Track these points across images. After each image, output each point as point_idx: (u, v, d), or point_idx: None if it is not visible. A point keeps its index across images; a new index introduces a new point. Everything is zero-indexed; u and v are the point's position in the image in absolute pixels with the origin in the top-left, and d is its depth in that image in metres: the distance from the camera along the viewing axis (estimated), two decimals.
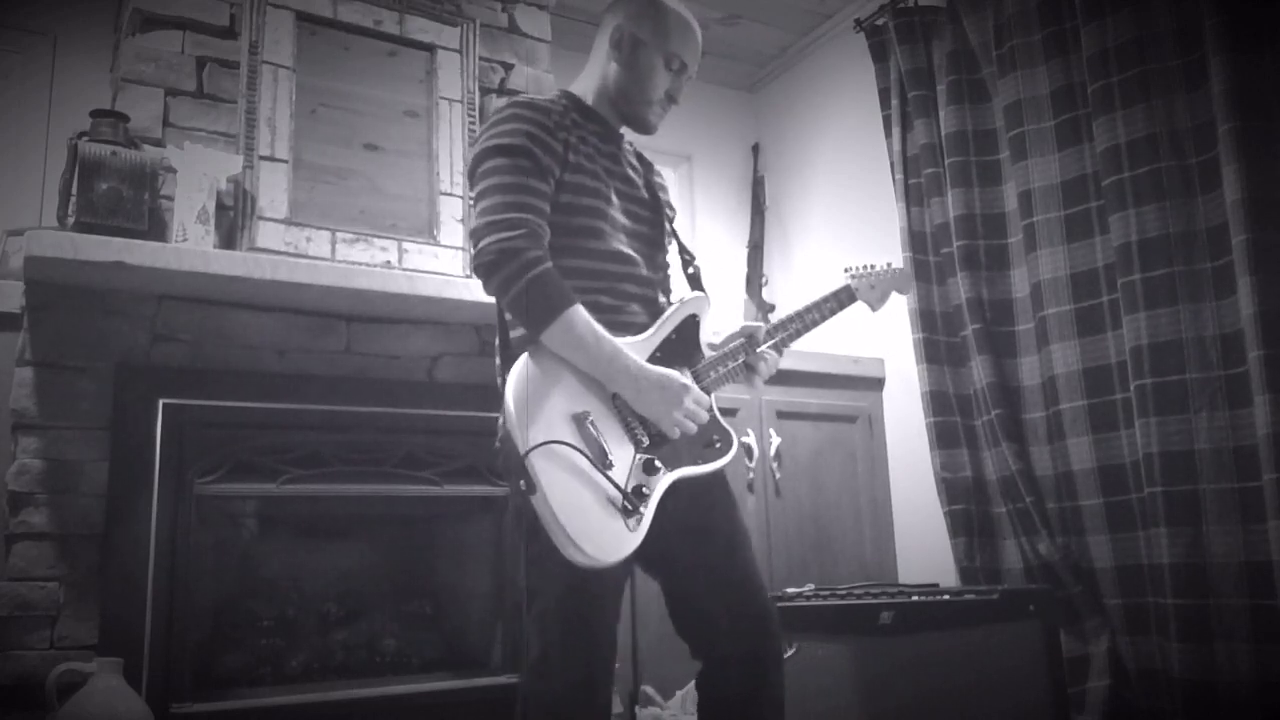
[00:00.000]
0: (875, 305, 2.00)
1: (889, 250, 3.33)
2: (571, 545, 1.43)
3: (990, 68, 3.07)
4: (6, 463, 2.19)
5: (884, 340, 3.44)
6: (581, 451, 1.50)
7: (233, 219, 2.50)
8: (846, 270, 1.99)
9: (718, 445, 1.69)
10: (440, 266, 2.68)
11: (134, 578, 2.21)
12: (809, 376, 3.31)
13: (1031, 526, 2.85)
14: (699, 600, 1.70)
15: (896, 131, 3.32)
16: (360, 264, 2.54)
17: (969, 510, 3.03)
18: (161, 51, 2.55)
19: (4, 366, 2.24)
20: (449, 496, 2.61)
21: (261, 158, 2.54)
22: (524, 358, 1.56)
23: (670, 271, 1.91)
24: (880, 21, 3.42)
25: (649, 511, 1.52)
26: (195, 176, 2.39)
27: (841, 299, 1.94)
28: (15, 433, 2.21)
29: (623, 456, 1.56)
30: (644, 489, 1.54)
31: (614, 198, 1.75)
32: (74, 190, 2.30)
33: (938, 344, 3.15)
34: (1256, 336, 2.30)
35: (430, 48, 2.86)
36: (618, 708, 2.42)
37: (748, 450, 3.13)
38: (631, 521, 1.49)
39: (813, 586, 2.57)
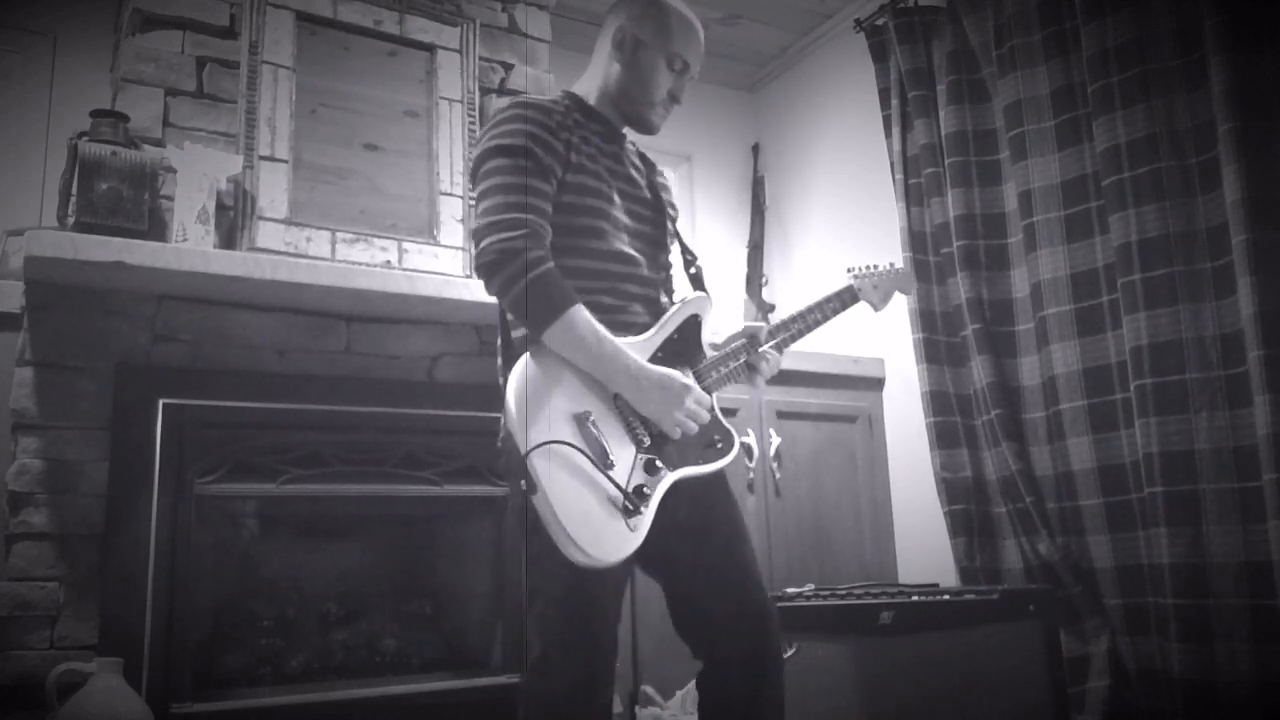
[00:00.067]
0: (878, 305, 2.00)
1: (889, 250, 3.33)
2: (572, 545, 1.43)
3: (990, 68, 3.07)
4: (6, 463, 2.19)
5: (884, 340, 3.44)
6: (582, 451, 1.50)
7: (233, 219, 2.50)
8: (849, 270, 1.99)
9: (719, 445, 1.69)
10: (440, 266, 2.68)
11: (134, 578, 2.21)
12: (809, 376, 3.31)
13: (1031, 526, 2.85)
14: (699, 600, 1.70)
15: (896, 131, 3.33)
16: (360, 264, 2.54)
17: (969, 510, 3.03)
18: (161, 51, 2.55)
19: (4, 366, 2.24)
20: (449, 496, 2.61)
21: (261, 158, 2.54)
22: (525, 357, 1.56)
23: (672, 272, 1.91)
24: (880, 21, 3.42)
25: (650, 511, 1.52)
26: (195, 176, 2.39)
27: (844, 299, 1.94)
28: (15, 433, 2.21)
29: (624, 456, 1.56)
30: (645, 489, 1.54)
31: (616, 198, 1.75)
32: (74, 190, 2.30)
33: (938, 344, 3.15)
34: (1256, 336, 2.30)
35: (430, 48, 2.86)
36: (618, 708, 2.41)
37: (748, 450, 3.13)
38: (632, 521, 1.49)
39: (813, 586, 2.57)
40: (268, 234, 2.49)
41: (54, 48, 2.99)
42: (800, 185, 4.06)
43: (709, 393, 1.71)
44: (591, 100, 1.81)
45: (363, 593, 2.78)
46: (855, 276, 1.98)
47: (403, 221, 2.71)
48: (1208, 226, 2.49)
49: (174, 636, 2.22)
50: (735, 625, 1.68)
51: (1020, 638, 2.28)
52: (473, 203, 2.73)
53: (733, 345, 1.80)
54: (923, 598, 2.29)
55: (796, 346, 1.89)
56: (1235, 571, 2.38)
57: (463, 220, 2.77)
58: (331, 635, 2.66)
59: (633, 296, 1.73)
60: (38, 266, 2.15)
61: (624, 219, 1.76)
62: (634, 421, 1.60)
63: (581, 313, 1.57)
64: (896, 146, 3.32)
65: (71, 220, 2.30)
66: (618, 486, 1.50)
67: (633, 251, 1.75)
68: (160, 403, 2.31)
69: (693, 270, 1.88)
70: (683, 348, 1.73)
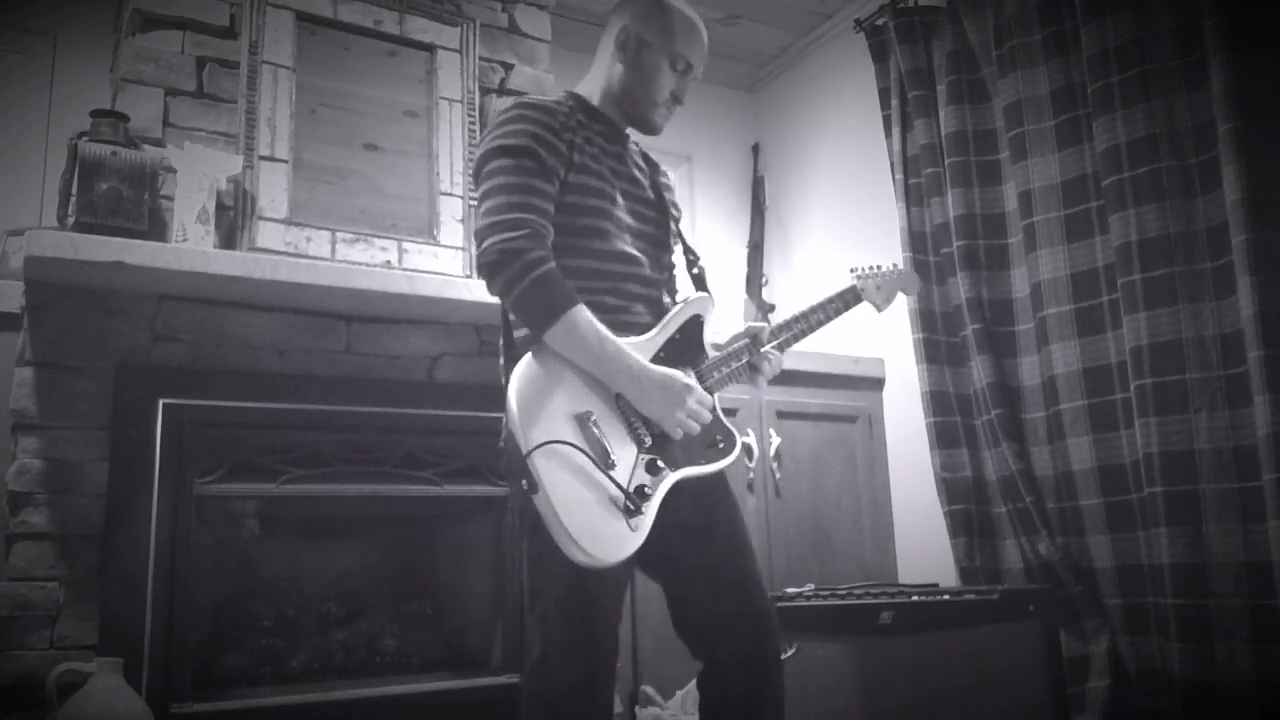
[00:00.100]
0: (881, 306, 2.00)
1: (889, 250, 3.33)
2: (573, 545, 1.43)
3: (990, 68, 3.07)
4: (6, 463, 2.19)
5: (884, 340, 3.44)
6: (584, 451, 1.50)
7: (233, 219, 2.50)
8: (852, 271, 1.99)
9: (721, 446, 1.69)
10: (440, 266, 2.68)
11: (134, 578, 2.21)
12: (809, 376, 3.31)
13: (1031, 526, 2.85)
14: (699, 601, 1.70)
15: (896, 131, 3.33)
16: (360, 264, 2.54)
17: (969, 510, 3.03)
18: (161, 51, 2.55)
19: (4, 366, 2.24)
20: (449, 496, 2.61)
21: (261, 158, 2.54)
22: (527, 357, 1.56)
23: (675, 272, 1.91)
24: (880, 21, 3.42)
25: (651, 512, 1.52)
26: (195, 176, 2.39)
27: (847, 299, 1.94)
28: (15, 433, 2.21)
29: (625, 456, 1.56)
30: (646, 489, 1.54)
31: (619, 198, 1.75)
32: (74, 190, 2.30)
33: (938, 344, 3.15)
34: (1256, 336, 2.30)
35: (430, 48, 2.86)
36: (618, 708, 2.41)
37: (748, 450, 3.13)
38: (633, 521, 1.49)
39: (813, 586, 2.57)
40: (268, 234, 2.49)
41: (54, 48, 2.99)
42: (800, 185, 4.06)
43: (711, 393, 1.71)
44: (595, 101, 1.81)
45: (363, 593, 2.78)
46: (858, 277, 1.98)
47: (403, 221, 2.71)
48: (1208, 226, 2.49)
49: (174, 636, 2.22)
50: (735, 626, 1.68)
51: (1020, 638, 2.28)
52: (474, 203, 2.73)
53: (735, 345, 1.79)
54: (923, 598, 2.29)
55: (797, 346, 1.89)
56: (1235, 571, 2.38)
57: (463, 220, 2.77)
58: (331, 635, 2.66)
59: (635, 297, 1.73)
60: (38, 266, 2.15)
61: (627, 219, 1.76)
62: (636, 422, 1.60)
63: (583, 313, 1.57)
64: (896, 146, 3.32)
65: (71, 220, 2.30)
66: (619, 486, 1.50)
67: (635, 252, 1.75)
68: (160, 403, 2.31)
69: (695, 271, 1.88)
70: (685, 348, 1.73)
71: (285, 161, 2.57)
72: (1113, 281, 2.67)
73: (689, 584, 1.71)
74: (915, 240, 3.23)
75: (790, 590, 2.54)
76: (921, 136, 3.21)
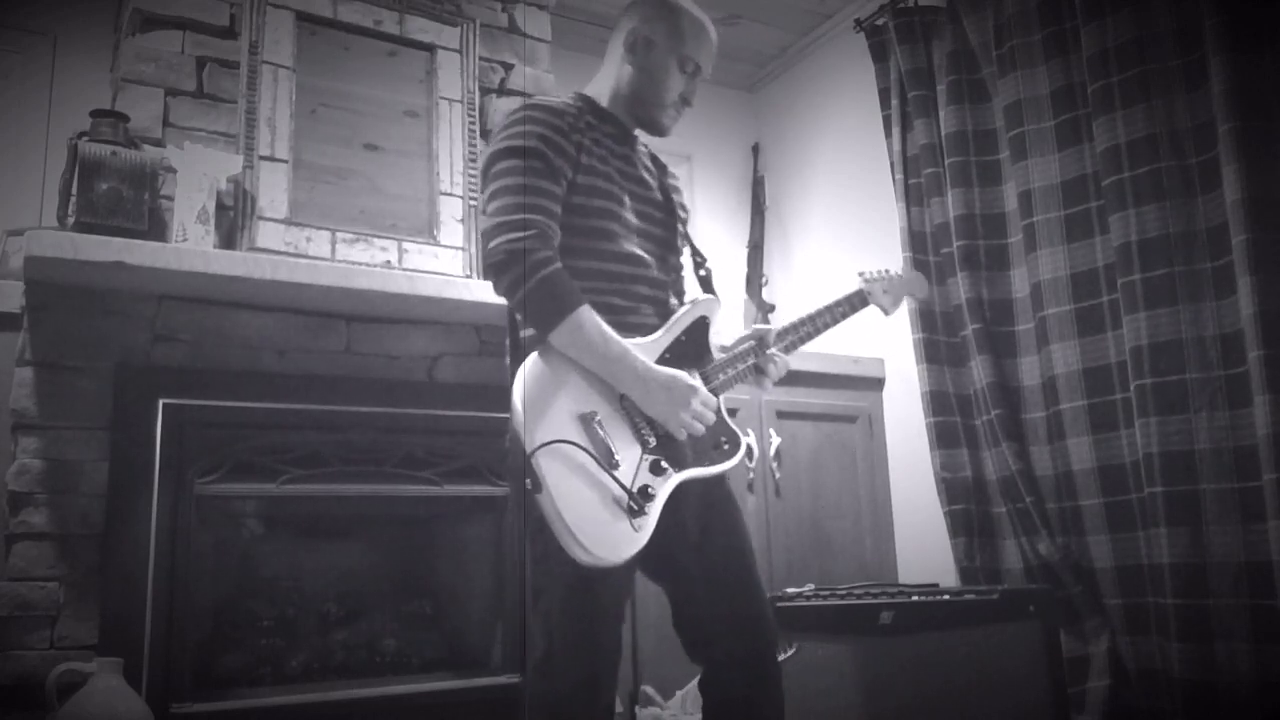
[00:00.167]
0: (888, 309, 2.01)
1: (889, 250, 3.33)
2: (576, 544, 1.43)
3: (990, 68, 3.07)
4: (6, 463, 2.19)
5: (884, 340, 3.44)
6: (587, 451, 1.50)
7: (233, 219, 2.50)
8: (860, 274, 1.99)
9: (725, 447, 1.69)
10: (440, 266, 2.68)
11: (134, 578, 2.21)
12: (809, 376, 3.31)
13: (1031, 526, 2.85)
14: (698, 602, 1.70)
15: (896, 131, 3.33)
16: (360, 264, 2.54)
17: (969, 510, 3.03)
18: (161, 51, 2.55)
19: (4, 366, 2.24)
20: (449, 496, 2.61)
21: (261, 158, 2.54)
22: (533, 357, 1.56)
23: (683, 273, 1.91)
24: (880, 21, 3.42)
25: (654, 512, 1.53)
26: (195, 176, 2.39)
27: (854, 303, 1.94)
28: (15, 433, 2.21)
29: (629, 457, 1.56)
30: (650, 489, 1.54)
31: (626, 199, 1.75)
32: (74, 190, 2.30)
33: (938, 344, 3.15)
34: (1256, 336, 2.30)
35: (430, 48, 2.86)
36: (618, 708, 2.41)
37: (748, 450, 3.13)
38: (637, 522, 1.50)
39: (813, 586, 2.57)
40: (268, 234, 2.49)
41: (54, 48, 2.99)
42: (800, 185, 4.06)
43: (716, 394, 1.71)
44: (603, 102, 1.81)
45: (363, 593, 2.78)
46: (866, 280, 1.98)
47: (403, 221, 2.71)
48: (1208, 226, 2.49)
49: (174, 636, 2.22)
50: (732, 627, 1.68)
51: (1020, 638, 2.28)
52: (474, 203, 2.74)
53: (741, 347, 1.80)
54: (923, 598, 2.29)
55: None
56: (1235, 571, 2.38)
57: (463, 220, 2.77)
58: (331, 635, 2.66)
59: (642, 298, 1.73)
60: (38, 266, 2.15)
61: (634, 220, 1.76)
62: (640, 422, 1.60)
63: (589, 313, 1.57)
64: (896, 146, 3.32)
65: (71, 220, 2.30)
66: (622, 486, 1.50)
67: (642, 253, 1.75)
68: (160, 403, 2.31)
69: (702, 273, 1.88)
70: (690, 349, 1.73)
71: (285, 161, 2.57)
72: (1113, 281, 2.67)
73: (689, 585, 1.71)
74: (915, 240, 3.23)
75: (790, 590, 2.54)
76: (921, 136, 3.21)
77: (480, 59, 2.94)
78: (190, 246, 2.32)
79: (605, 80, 1.83)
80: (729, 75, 4.23)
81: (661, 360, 1.67)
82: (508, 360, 1.69)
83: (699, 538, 1.69)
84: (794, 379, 3.24)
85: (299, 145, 2.61)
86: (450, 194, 2.77)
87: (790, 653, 2.24)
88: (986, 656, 2.21)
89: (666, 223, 1.84)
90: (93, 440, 2.26)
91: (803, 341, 1.86)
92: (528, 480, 1.45)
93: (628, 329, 1.65)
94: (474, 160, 2.83)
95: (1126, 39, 2.63)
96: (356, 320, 2.61)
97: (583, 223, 1.67)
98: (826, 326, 1.88)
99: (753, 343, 1.80)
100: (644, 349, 1.64)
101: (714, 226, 4.13)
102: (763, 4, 3.74)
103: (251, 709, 2.29)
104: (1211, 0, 2.43)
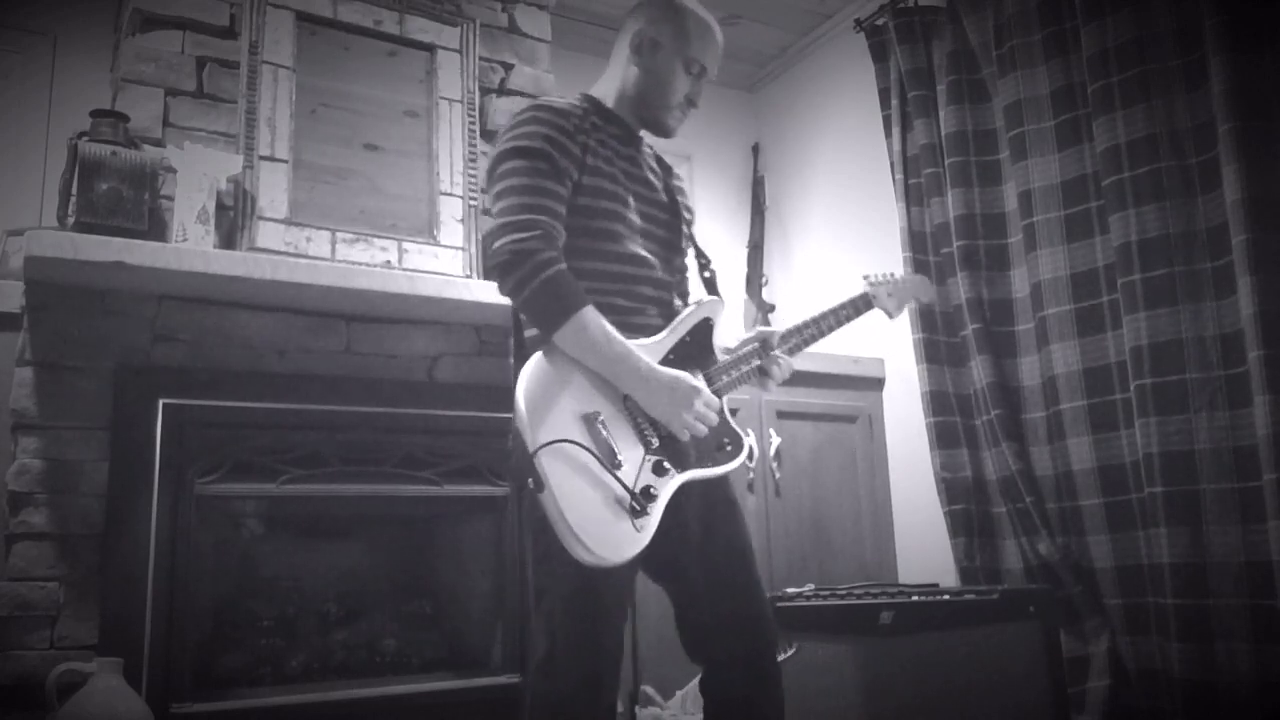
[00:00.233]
0: (893, 313, 2.01)
1: (889, 250, 3.33)
2: (578, 544, 1.43)
3: (990, 68, 3.07)
4: (6, 463, 2.19)
5: (884, 340, 3.44)
6: (590, 451, 1.50)
7: (233, 219, 2.49)
8: (865, 277, 1.99)
9: (728, 448, 1.69)
10: (440, 266, 2.68)
11: (134, 578, 2.21)
12: (809, 376, 3.31)
13: (1031, 526, 2.85)
14: (699, 602, 1.70)
15: (896, 131, 3.33)
16: (360, 264, 2.54)
17: (969, 510, 3.03)
18: (161, 51, 2.55)
19: (4, 366, 2.24)
20: (449, 496, 2.61)
21: (261, 158, 2.54)
22: (536, 356, 1.57)
23: (687, 275, 1.91)
24: (880, 21, 3.42)
25: (656, 513, 1.53)
26: (195, 176, 2.39)
27: (859, 306, 1.95)
28: (15, 433, 2.21)
29: (632, 457, 1.56)
30: (652, 490, 1.54)
31: (631, 200, 1.75)
32: (74, 190, 2.30)
33: (938, 344, 3.15)
34: (1256, 336, 2.30)
35: (430, 48, 2.86)
36: (618, 707, 2.42)
37: (748, 450, 3.13)
38: (639, 522, 1.50)
39: (813, 586, 2.57)
40: (268, 234, 2.49)
41: (54, 48, 2.99)
42: (800, 185, 4.06)
43: (719, 396, 1.71)
44: (609, 103, 1.81)
45: (363, 593, 2.78)
46: (871, 284, 1.98)
47: (403, 221, 2.71)
48: (1208, 226, 2.49)
49: (174, 636, 2.22)
50: (732, 628, 1.68)
51: (1020, 638, 2.28)
52: (474, 203, 2.74)
53: (744, 349, 1.80)
54: (923, 598, 2.29)
55: None
56: (1235, 571, 2.38)
57: (463, 220, 2.77)
58: (331, 635, 2.66)
59: (647, 299, 1.73)
60: (38, 266, 2.15)
61: (639, 222, 1.76)
62: (643, 423, 1.60)
63: (593, 314, 1.57)
64: (896, 146, 3.32)
65: (71, 220, 2.30)
66: (625, 487, 1.50)
67: (647, 254, 1.75)
68: (160, 403, 2.31)
69: (707, 274, 1.88)
70: (694, 351, 1.73)
71: (285, 161, 2.57)
72: (1113, 281, 2.67)
73: (691, 586, 1.71)
74: (915, 240, 3.23)
75: (790, 590, 2.54)
76: (921, 136, 3.21)
77: (480, 59, 2.94)
78: (190, 246, 2.32)
79: (611, 81, 1.83)
80: (729, 75, 4.23)
81: (665, 361, 1.67)
82: (511, 360, 1.69)
83: (701, 538, 1.69)
84: (794, 379, 3.17)
85: (299, 145, 2.61)
86: (450, 194, 2.77)
87: (790, 653, 2.23)
88: (986, 656, 2.21)
89: (671, 224, 1.84)
90: (93, 440, 2.26)
91: (807, 344, 1.86)
92: (530, 479, 1.45)
93: (632, 330, 1.65)
94: (474, 160, 2.83)
95: (1126, 39, 2.63)
96: (356, 320, 2.61)
97: (588, 224, 1.67)
98: (831, 329, 1.89)
99: (756, 344, 1.80)
100: (648, 350, 1.65)
101: (714, 226, 4.13)
102: (763, 4, 3.74)
103: (251, 709, 2.29)
104: (1211, 0, 2.43)
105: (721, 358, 1.77)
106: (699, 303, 1.78)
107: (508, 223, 1.58)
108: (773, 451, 3.18)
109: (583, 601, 1.54)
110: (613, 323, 1.59)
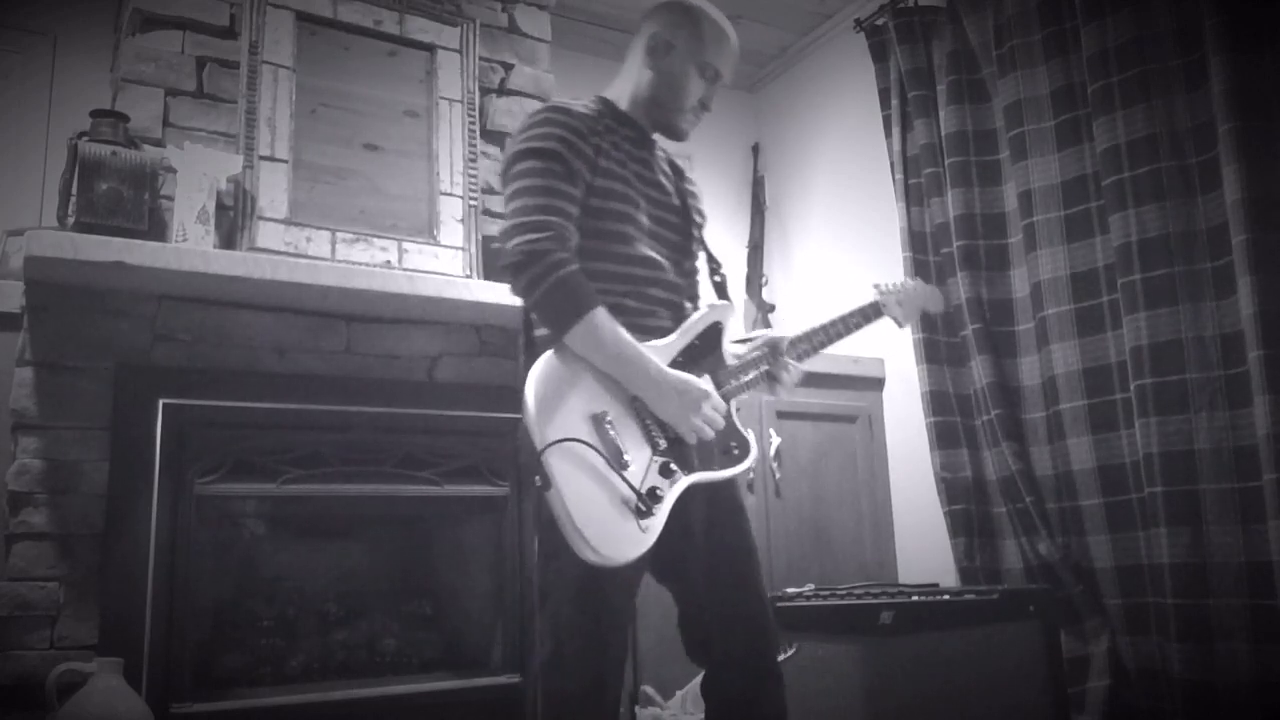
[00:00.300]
0: (902, 322, 2.02)
1: (889, 250, 3.33)
2: (583, 543, 1.44)
3: (990, 68, 3.07)
4: (6, 463, 2.19)
5: (884, 340, 3.43)
6: (598, 451, 1.50)
7: (233, 219, 2.49)
8: (875, 286, 2.00)
9: (735, 452, 1.70)
10: (440, 266, 2.68)
11: (134, 578, 2.21)
12: (809, 376, 3.25)
13: (1031, 526, 2.85)
14: (702, 603, 1.71)
15: (896, 131, 3.33)
16: (360, 264, 2.54)
17: (969, 510, 3.03)
18: (161, 51, 2.54)
19: (4, 366, 2.23)
20: (449, 496, 2.61)
21: (261, 158, 2.54)
22: (546, 356, 1.57)
23: (697, 278, 1.91)
24: (880, 21, 3.42)
25: (662, 514, 1.53)
26: (195, 176, 2.39)
27: (868, 314, 1.96)
28: (15, 433, 2.21)
29: (639, 458, 1.56)
30: (658, 491, 1.54)
31: (643, 203, 1.75)
32: (74, 190, 2.30)
33: (938, 344, 3.15)
34: (1256, 336, 2.30)
35: (430, 48, 2.86)
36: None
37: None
38: (644, 523, 1.50)
39: (813, 586, 2.58)
40: (268, 234, 2.49)
41: (54, 48, 2.99)
42: (800, 185, 4.06)
43: (727, 400, 1.71)
44: (623, 105, 1.81)
45: (363, 593, 2.78)
46: (881, 292, 1.99)
47: (403, 221, 2.71)
48: (1208, 226, 2.49)
49: (174, 636, 2.22)
50: (735, 629, 1.68)
51: (1020, 638, 2.28)
52: (473, 203, 2.74)
53: (753, 354, 1.80)
54: (923, 598, 2.29)
55: None
56: (1235, 571, 2.38)
57: (463, 220, 2.77)
58: (331, 635, 2.66)
59: (657, 301, 1.74)
60: (38, 266, 2.15)
61: (650, 224, 1.76)
62: (651, 424, 1.61)
63: (603, 315, 1.58)
64: (896, 146, 3.32)
65: (71, 220, 2.30)
66: (631, 487, 1.51)
67: (658, 256, 1.75)
68: (160, 403, 2.31)
69: (717, 278, 1.89)
70: (703, 354, 1.74)
71: (285, 161, 2.57)
72: (1113, 281, 2.67)
73: (694, 587, 1.71)
74: (915, 240, 3.23)
75: (790, 590, 2.54)
76: (921, 136, 3.21)
77: (480, 59, 2.94)
78: (190, 246, 2.32)
79: (625, 83, 1.83)
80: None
81: (674, 364, 1.67)
82: (521, 359, 1.70)
83: (706, 540, 1.69)
84: None
85: (299, 145, 2.61)
86: (450, 194, 2.77)
87: (790, 653, 2.24)
88: (986, 656, 2.21)
89: (682, 227, 1.85)
90: (93, 440, 2.26)
91: (815, 350, 1.87)
92: (537, 477, 1.45)
93: (642, 331, 1.65)
94: (474, 160, 2.83)
95: (1126, 39, 2.63)
96: (356, 320, 2.61)
97: (599, 225, 1.68)
98: (840, 336, 1.90)
99: (766, 350, 1.80)
100: (657, 352, 1.65)
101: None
102: (763, 4, 3.74)
103: (251, 709, 2.29)
104: (1211, 0, 2.43)
105: (730, 362, 1.77)
106: (710, 307, 1.79)
107: (521, 223, 1.59)
108: (773, 451, 3.18)
109: (589, 601, 1.55)
110: (623, 324, 1.60)
